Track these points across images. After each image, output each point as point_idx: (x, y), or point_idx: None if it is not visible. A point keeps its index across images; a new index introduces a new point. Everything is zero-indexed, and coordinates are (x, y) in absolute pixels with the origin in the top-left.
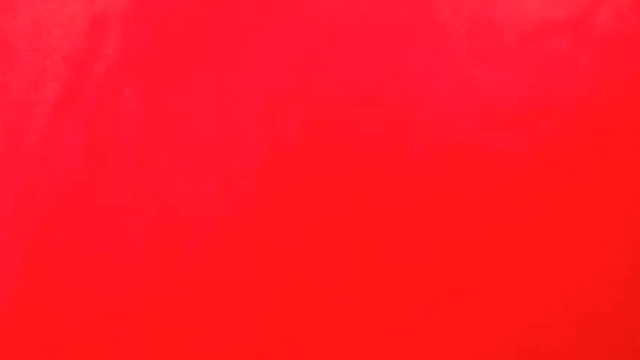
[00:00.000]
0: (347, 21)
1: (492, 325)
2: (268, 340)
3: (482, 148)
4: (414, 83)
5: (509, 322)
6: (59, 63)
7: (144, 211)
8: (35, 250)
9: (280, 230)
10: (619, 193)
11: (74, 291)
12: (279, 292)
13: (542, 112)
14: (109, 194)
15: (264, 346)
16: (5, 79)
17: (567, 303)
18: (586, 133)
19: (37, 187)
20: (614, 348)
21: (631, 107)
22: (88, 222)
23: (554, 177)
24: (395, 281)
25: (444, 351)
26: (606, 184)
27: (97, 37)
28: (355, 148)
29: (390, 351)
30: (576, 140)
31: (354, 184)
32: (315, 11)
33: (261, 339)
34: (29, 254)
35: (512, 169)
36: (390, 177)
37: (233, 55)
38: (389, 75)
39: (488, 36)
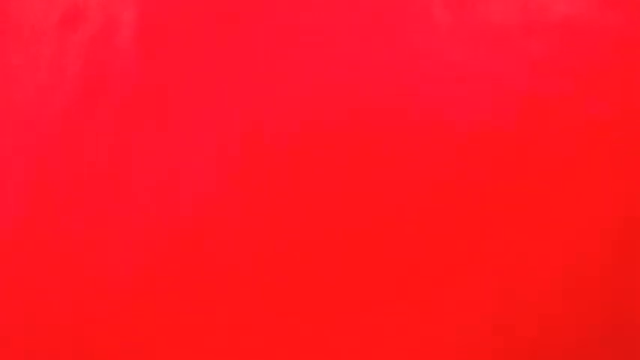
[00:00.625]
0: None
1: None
2: (266, 335)
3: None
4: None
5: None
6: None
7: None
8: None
9: (273, 223)
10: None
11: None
12: (276, 288)
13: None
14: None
15: (263, 341)
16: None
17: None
18: (582, 56)
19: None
20: (602, 323)
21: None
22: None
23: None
24: (388, 268)
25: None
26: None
27: None
28: (353, 140)
29: (387, 343)
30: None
31: (351, 177)
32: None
33: (259, 334)
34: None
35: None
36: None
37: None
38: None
39: None
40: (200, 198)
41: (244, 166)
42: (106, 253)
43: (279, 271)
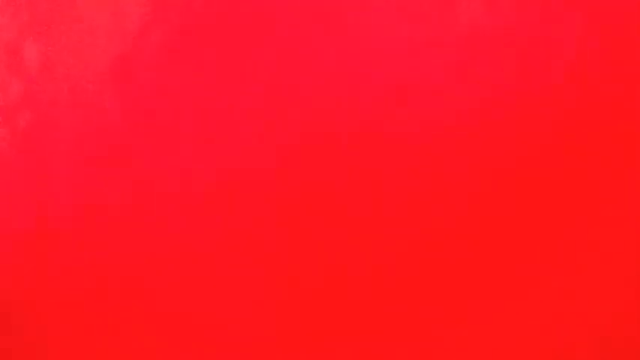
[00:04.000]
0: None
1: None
2: (269, 341)
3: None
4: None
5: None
6: None
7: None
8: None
9: (280, 231)
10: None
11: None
12: (280, 296)
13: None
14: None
15: (265, 346)
16: None
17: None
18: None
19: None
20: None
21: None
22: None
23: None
24: (397, 277)
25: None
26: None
27: None
28: (357, 147)
29: (390, 352)
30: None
31: (355, 185)
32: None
33: (261, 340)
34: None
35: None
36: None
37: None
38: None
39: None
40: (205, 199)
41: (255, 164)
42: (105, 252)
43: (284, 272)
